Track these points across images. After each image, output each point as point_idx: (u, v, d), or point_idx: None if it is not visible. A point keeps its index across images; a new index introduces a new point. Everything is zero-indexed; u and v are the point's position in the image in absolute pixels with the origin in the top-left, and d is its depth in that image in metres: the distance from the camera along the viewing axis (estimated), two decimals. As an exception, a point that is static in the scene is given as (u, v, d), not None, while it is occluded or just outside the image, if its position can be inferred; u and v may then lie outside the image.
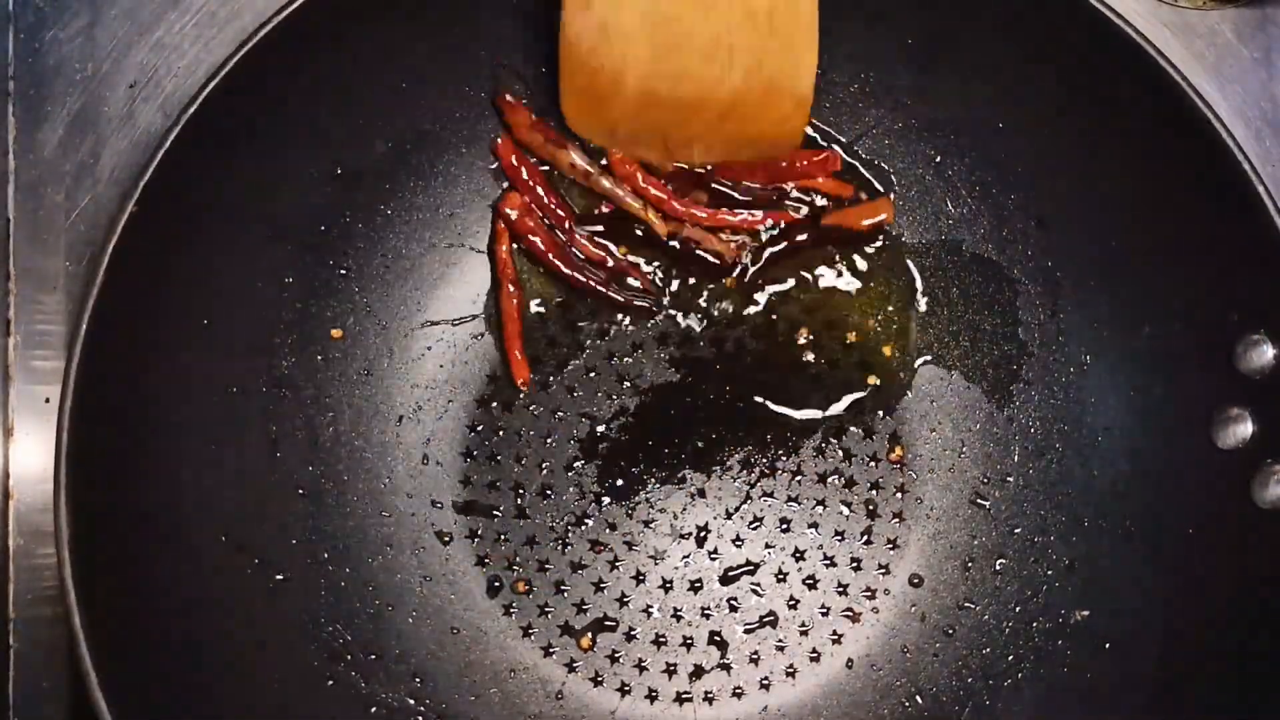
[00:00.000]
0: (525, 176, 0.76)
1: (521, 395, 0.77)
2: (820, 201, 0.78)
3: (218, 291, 0.69)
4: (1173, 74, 0.66)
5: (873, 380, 0.78)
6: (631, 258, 0.77)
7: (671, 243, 0.77)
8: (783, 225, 0.77)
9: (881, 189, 0.78)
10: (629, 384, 0.77)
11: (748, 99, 0.72)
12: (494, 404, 0.77)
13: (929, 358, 0.78)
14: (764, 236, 0.78)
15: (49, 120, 0.77)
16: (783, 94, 0.72)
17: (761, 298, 0.78)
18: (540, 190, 0.76)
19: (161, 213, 0.64)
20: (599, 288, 0.77)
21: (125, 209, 0.63)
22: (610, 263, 0.77)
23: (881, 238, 0.78)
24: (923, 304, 0.78)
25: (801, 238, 0.78)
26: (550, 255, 0.76)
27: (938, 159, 0.77)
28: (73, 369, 0.61)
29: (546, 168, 0.77)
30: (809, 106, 0.73)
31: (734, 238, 0.77)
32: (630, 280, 0.77)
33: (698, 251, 0.77)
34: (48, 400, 0.75)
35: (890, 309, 0.78)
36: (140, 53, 0.78)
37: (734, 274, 0.78)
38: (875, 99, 0.77)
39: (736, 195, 0.77)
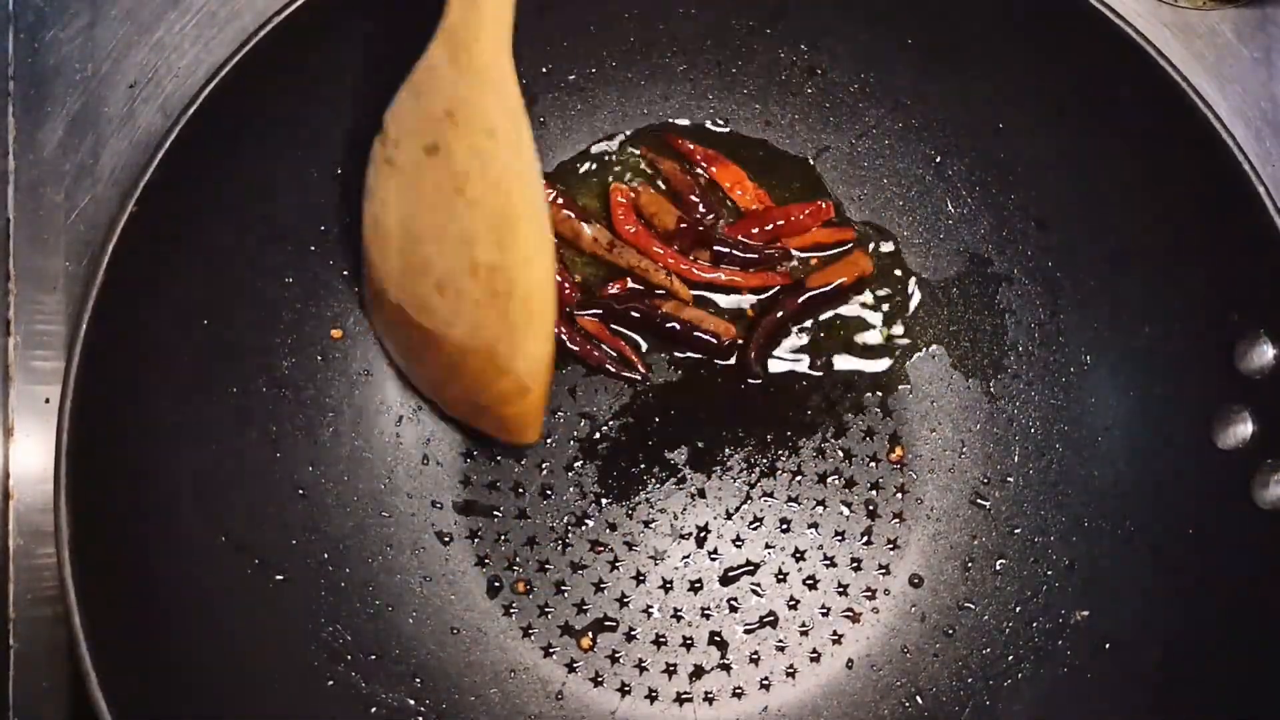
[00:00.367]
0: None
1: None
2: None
3: (218, 291, 0.69)
4: (1173, 74, 0.66)
5: (873, 381, 0.78)
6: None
7: (669, 325, 0.77)
8: (774, 290, 0.78)
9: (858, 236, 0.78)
10: (629, 384, 0.77)
11: (471, 358, 0.69)
12: (494, 404, 0.77)
13: (929, 358, 0.78)
14: (752, 306, 0.78)
15: (49, 120, 0.77)
16: (501, 369, 0.69)
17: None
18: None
19: (161, 213, 0.64)
20: (593, 352, 0.77)
21: (125, 209, 0.63)
22: (601, 348, 0.77)
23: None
24: (923, 304, 0.78)
25: (794, 304, 0.77)
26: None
27: (938, 159, 0.77)
28: (73, 369, 0.61)
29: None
30: (535, 399, 0.70)
31: (731, 309, 0.78)
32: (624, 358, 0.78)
33: (695, 334, 0.77)
34: (48, 400, 0.75)
35: (891, 309, 0.78)
36: (140, 53, 0.78)
37: (730, 358, 0.78)
38: (875, 99, 0.77)
39: (738, 254, 0.77)
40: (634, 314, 0.77)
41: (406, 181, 0.67)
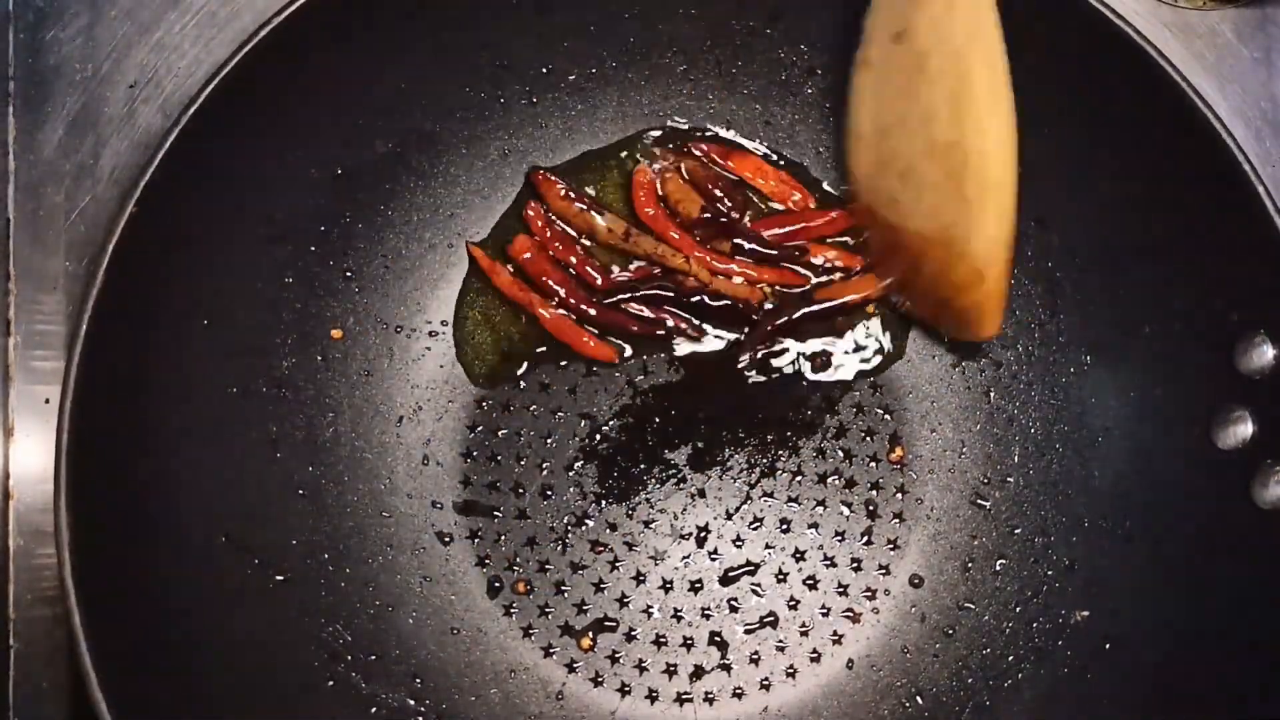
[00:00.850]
0: (551, 238, 0.77)
1: (521, 395, 0.77)
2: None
3: (218, 291, 0.69)
4: (1173, 74, 0.66)
5: (873, 381, 0.78)
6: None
7: (696, 298, 0.77)
8: (782, 289, 0.78)
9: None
10: (629, 384, 0.77)
11: (932, 249, 0.67)
12: (494, 404, 0.77)
13: (929, 358, 0.78)
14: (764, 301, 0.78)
15: (49, 120, 0.77)
16: (959, 254, 0.66)
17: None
18: (571, 257, 0.77)
19: (161, 213, 0.64)
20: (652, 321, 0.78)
21: (125, 209, 0.63)
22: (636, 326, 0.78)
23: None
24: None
25: (794, 314, 0.77)
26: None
27: (938, 159, 0.77)
28: (73, 369, 0.61)
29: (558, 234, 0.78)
30: (991, 286, 0.66)
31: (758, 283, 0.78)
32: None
33: (717, 304, 0.77)
34: (48, 400, 0.75)
35: (891, 310, 0.78)
36: (140, 53, 0.78)
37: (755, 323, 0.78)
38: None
39: (759, 249, 0.77)
40: (661, 290, 0.77)
41: (877, 75, 0.67)
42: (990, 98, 0.61)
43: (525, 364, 0.77)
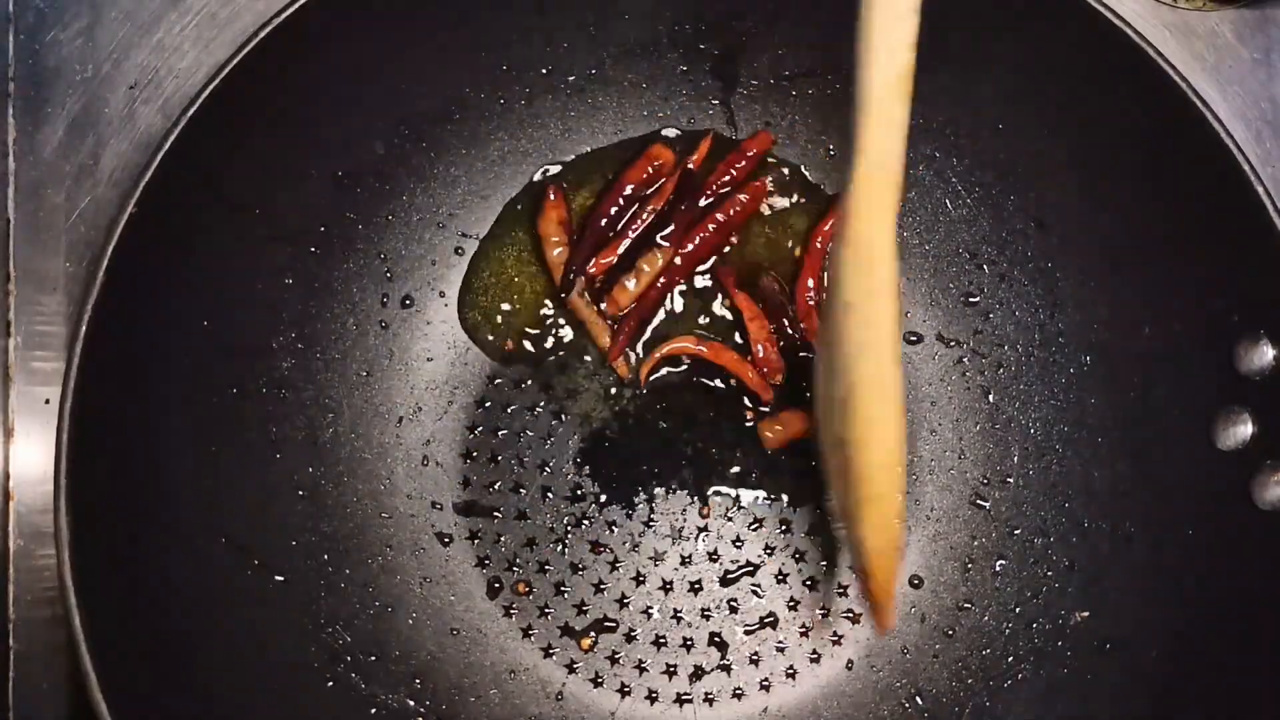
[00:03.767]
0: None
1: (522, 396, 0.77)
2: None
3: (217, 292, 0.69)
4: (1172, 75, 0.66)
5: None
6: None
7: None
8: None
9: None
10: (629, 385, 0.77)
11: (849, 529, 0.64)
12: (494, 405, 0.77)
13: (929, 358, 0.78)
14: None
15: (49, 121, 0.77)
16: (855, 548, 0.64)
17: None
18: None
19: (161, 213, 0.64)
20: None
21: (125, 210, 0.63)
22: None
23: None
24: (923, 305, 0.78)
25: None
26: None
27: (937, 159, 0.77)
28: (73, 370, 0.61)
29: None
30: (877, 585, 0.63)
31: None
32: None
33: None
34: (48, 401, 0.75)
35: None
36: (140, 54, 0.78)
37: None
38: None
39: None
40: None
41: (827, 345, 0.63)
42: (874, 417, 0.59)
43: (526, 364, 0.77)
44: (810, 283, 0.77)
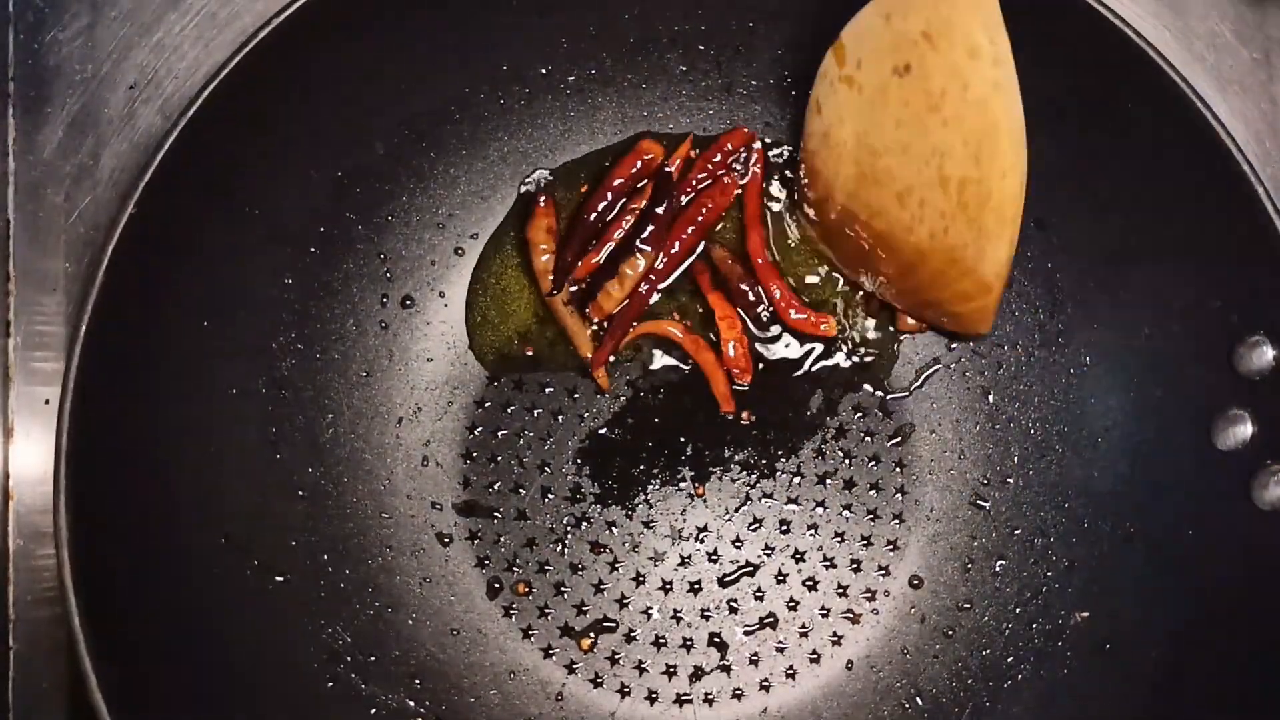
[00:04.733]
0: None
1: (521, 396, 0.77)
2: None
3: (217, 293, 0.69)
4: (1172, 75, 0.66)
5: (873, 382, 0.78)
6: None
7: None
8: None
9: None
10: (629, 385, 0.78)
11: (931, 259, 0.70)
12: (494, 405, 0.77)
13: (929, 359, 0.78)
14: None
15: (49, 122, 0.77)
16: (964, 269, 0.70)
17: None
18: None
19: (161, 213, 0.64)
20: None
21: (125, 210, 0.63)
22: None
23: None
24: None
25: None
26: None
27: (937, 159, 0.77)
28: (72, 370, 0.62)
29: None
30: (994, 296, 0.70)
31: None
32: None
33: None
34: (48, 401, 0.75)
35: (891, 310, 0.78)
36: (140, 54, 0.78)
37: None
38: (875, 100, 0.77)
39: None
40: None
41: (867, 100, 0.68)
42: (1014, 147, 0.64)
43: (527, 364, 0.77)
44: (756, 239, 0.78)
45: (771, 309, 0.77)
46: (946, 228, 0.68)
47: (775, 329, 0.78)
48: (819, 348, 0.78)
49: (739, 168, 0.78)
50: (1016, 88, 0.63)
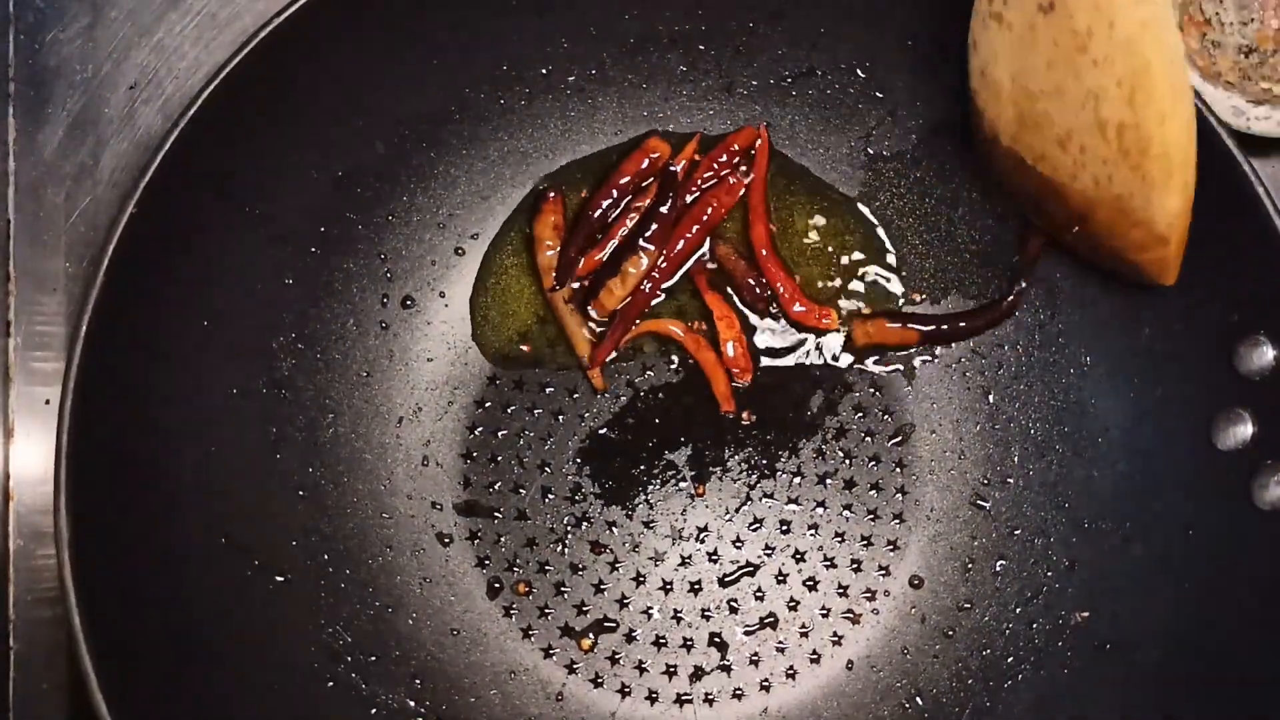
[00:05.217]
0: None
1: (521, 396, 0.77)
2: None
3: (218, 293, 0.69)
4: (1172, 74, 0.66)
5: (873, 382, 0.78)
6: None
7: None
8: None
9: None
10: (629, 385, 0.78)
11: (1100, 209, 0.67)
12: (494, 405, 0.77)
13: (929, 359, 0.78)
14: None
15: (49, 122, 0.77)
16: (1134, 219, 0.66)
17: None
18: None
19: (161, 214, 0.64)
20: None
21: (125, 210, 0.63)
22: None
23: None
24: (923, 305, 0.78)
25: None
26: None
27: (938, 158, 0.77)
28: (73, 370, 0.62)
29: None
30: (1174, 247, 0.66)
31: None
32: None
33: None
34: (48, 402, 0.75)
35: (891, 310, 0.78)
36: (141, 54, 0.78)
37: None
38: (875, 100, 0.77)
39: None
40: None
41: (1017, 38, 0.65)
42: (1171, 88, 0.61)
43: (528, 364, 0.77)
44: (761, 231, 0.78)
45: (776, 303, 0.77)
46: (1110, 175, 0.65)
47: (780, 325, 0.78)
48: (819, 347, 0.78)
49: (745, 167, 0.78)
50: (1171, 22, 0.60)
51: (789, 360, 0.78)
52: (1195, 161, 0.63)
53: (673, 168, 0.77)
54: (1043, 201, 0.71)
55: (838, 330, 0.78)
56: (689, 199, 0.77)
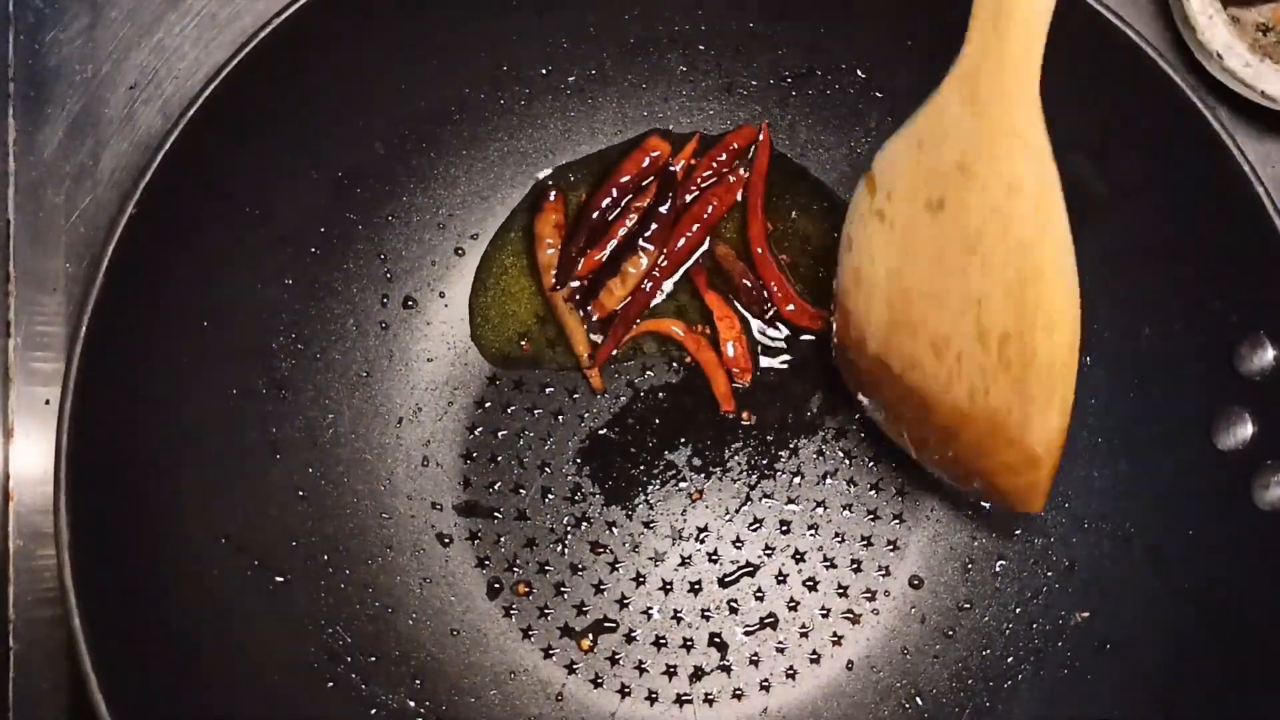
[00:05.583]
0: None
1: (521, 396, 0.77)
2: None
3: (218, 293, 0.69)
4: (1172, 75, 0.66)
5: (873, 381, 0.78)
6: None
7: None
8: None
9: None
10: (629, 385, 0.78)
11: (971, 425, 0.63)
12: (494, 405, 0.77)
13: (929, 359, 0.78)
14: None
15: (49, 122, 0.77)
16: (1008, 437, 0.62)
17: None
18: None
19: (161, 214, 0.64)
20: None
21: (125, 211, 0.63)
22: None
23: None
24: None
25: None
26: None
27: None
28: (73, 371, 0.61)
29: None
30: (1047, 471, 0.63)
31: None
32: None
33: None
34: (48, 402, 0.75)
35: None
36: (140, 54, 0.78)
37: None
38: (875, 99, 0.77)
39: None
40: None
41: (899, 237, 0.62)
42: (1061, 298, 0.57)
43: (528, 364, 0.77)
44: (757, 229, 0.78)
45: (770, 302, 0.77)
46: (988, 388, 0.61)
47: (778, 326, 0.78)
48: (820, 347, 0.78)
49: (744, 167, 0.78)
50: (1066, 228, 0.56)
51: (789, 360, 0.78)
52: (1075, 380, 0.59)
53: (672, 167, 0.77)
54: (905, 416, 0.68)
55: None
56: (689, 198, 0.77)
